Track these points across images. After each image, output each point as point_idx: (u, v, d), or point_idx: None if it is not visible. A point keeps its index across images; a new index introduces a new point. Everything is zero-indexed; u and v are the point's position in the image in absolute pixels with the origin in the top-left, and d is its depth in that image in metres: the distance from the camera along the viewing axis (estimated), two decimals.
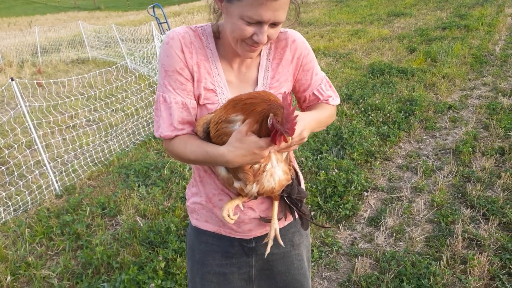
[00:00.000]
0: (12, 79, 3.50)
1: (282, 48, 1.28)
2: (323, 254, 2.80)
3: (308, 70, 1.32)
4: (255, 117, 1.06)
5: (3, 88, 3.99)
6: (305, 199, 1.35)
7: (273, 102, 1.06)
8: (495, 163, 3.73)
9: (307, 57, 1.31)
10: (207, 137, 1.17)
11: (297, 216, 1.36)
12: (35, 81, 5.81)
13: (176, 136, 1.21)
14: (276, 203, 1.30)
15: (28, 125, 3.77)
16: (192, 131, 1.23)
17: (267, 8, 1.05)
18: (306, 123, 1.13)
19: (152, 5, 8.39)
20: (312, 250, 2.81)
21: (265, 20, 1.07)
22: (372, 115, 4.81)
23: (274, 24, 1.10)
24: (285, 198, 1.29)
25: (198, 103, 1.22)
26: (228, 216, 1.23)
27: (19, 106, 3.71)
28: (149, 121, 5.39)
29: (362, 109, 5.02)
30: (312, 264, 2.72)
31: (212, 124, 1.13)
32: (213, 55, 1.22)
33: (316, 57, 7.97)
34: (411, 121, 4.66)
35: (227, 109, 1.10)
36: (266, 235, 1.33)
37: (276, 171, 1.18)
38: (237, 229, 1.35)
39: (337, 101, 1.39)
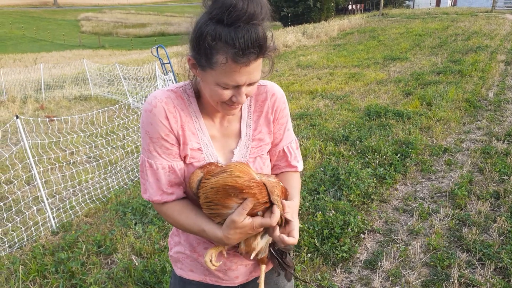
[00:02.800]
0: (17, 117, 3.59)
1: (262, 101, 1.31)
2: None
3: (282, 124, 1.36)
4: (250, 209, 1.11)
5: (7, 125, 4.07)
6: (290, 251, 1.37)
7: (261, 187, 1.11)
8: (490, 207, 3.76)
9: (283, 111, 1.35)
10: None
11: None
12: (46, 118, 5.91)
13: (165, 202, 1.24)
14: (263, 267, 1.31)
15: (29, 161, 3.82)
16: (183, 193, 1.26)
17: (241, 74, 1.07)
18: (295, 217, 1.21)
19: (156, 46, 8.66)
20: None
21: (241, 84, 1.09)
22: (369, 156, 4.88)
23: (250, 84, 1.13)
24: (270, 249, 1.30)
25: (184, 162, 1.24)
26: (211, 261, 1.22)
27: (21, 142, 3.78)
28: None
29: (359, 151, 5.10)
30: None
31: (203, 198, 1.14)
32: (195, 114, 1.24)
33: (314, 99, 8.18)
34: (407, 163, 4.72)
35: (225, 193, 1.10)
36: (252, 281, 1.34)
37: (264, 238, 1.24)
38: (224, 276, 1.36)
39: (302, 166, 1.45)
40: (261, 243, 1.22)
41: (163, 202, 1.23)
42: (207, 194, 1.12)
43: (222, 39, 1.02)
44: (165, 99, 1.19)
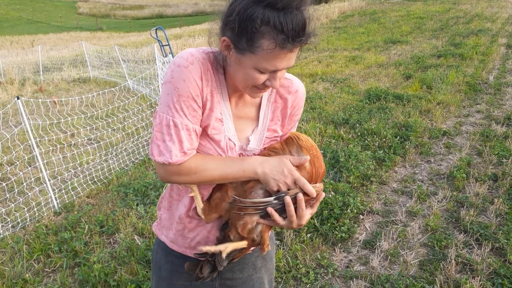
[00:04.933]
0: (18, 98, 3.59)
1: (283, 94, 1.30)
2: (318, 276, 2.84)
3: (294, 121, 1.36)
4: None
5: (8, 106, 4.07)
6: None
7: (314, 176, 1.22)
8: (488, 189, 3.81)
9: (299, 110, 1.35)
10: None
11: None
12: (48, 100, 5.90)
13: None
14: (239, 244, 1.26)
15: (31, 142, 3.83)
16: None
17: (282, 59, 1.06)
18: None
19: (155, 28, 8.59)
20: (308, 272, 2.84)
21: (280, 69, 1.09)
22: (368, 139, 4.90)
23: (286, 68, 1.13)
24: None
25: (205, 133, 1.20)
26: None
27: (23, 124, 3.78)
28: (149, 141, 5.46)
29: (359, 133, 5.12)
30: (307, 286, 2.75)
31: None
32: (221, 84, 1.21)
33: (314, 82, 8.16)
34: (407, 146, 4.75)
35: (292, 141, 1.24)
36: (231, 260, 1.31)
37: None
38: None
39: None
40: (255, 225, 1.21)
41: (185, 160, 1.16)
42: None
43: (271, 24, 0.99)
44: (202, 59, 1.14)
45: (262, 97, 1.28)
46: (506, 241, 3.02)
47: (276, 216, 1.17)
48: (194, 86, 1.13)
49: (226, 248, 1.19)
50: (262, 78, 1.10)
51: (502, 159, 4.34)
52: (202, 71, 1.14)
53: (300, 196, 1.16)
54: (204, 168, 1.17)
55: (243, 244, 1.23)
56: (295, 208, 1.17)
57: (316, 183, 1.20)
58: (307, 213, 1.20)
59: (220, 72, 1.20)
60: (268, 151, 1.25)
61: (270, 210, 1.16)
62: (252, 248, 1.31)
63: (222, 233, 1.30)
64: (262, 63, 1.06)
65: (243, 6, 1.01)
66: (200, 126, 1.19)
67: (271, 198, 1.17)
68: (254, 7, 1.00)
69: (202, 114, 1.18)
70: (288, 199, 1.15)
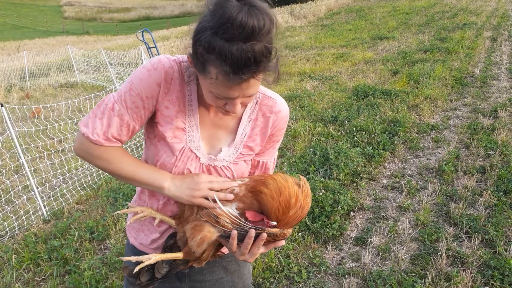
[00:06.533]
0: (2, 105, 3.53)
1: (266, 113, 1.27)
2: (311, 274, 2.84)
3: (274, 142, 1.34)
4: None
5: None
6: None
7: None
8: (476, 181, 3.84)
9: (281, 131, 1.32)
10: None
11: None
12: (32, 106, 5.82)
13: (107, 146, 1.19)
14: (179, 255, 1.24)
15: (17, 150, 3.78)
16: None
17: (233, 90, 1.01)
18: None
19: (141, 30, 8.54)
20: (300, 271, 2.84)
21: (234, 97, 1.05)
22: (357, 136, 4.92)
23: (246, 97, 1.07)
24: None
25: (165, 141, 1.21)
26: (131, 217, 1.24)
27: (7, 131, 3.73)
28: (138, 145, 5.42)
29: (348, 131, 5.13)
30: (300, 285, 2.75)
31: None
32: (191, 93, 1.19)
33: (302, 80, 8.16)
34: (395, 141, 4.78)
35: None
36: (170, 271, 1.29)
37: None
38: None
39: None
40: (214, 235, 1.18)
41: (105, 146, 1.17)
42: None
43: (216, 52, 0.95)
44: (167, 67, 1.14)
45: (244, 112, 1.26)
46: (495, 232, 3.04)
47: (235, 241, 1.13)
48: (148, 89, 1.14)
49: (149, 259, 1.18)
50: (220, 102, 1.08)
51: (490, 151, 4.38)
52: (163, 78, 1.14)
53: (264, 235, 1.12)
54: (118, 160, 1.18)
55: (173, 256, 1.21)
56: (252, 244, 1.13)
57: (289, 228, 1.16)
58: (259, 252, 1.16)
59: (192, 82, 1.19)
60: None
61: (235, 233, 1.12)
62: (193, 263, 1.26)
63: (170, 240, 1.28)
64: (214, 89, 1.03)
65: (199, 28, 0.99)
66: (155, 133, 1.21)
67: (248, 225, 1.14)
68: (206, 32, 0.96)
69: (156, 119, 1.20)
70: (252, 232, 1.11)
